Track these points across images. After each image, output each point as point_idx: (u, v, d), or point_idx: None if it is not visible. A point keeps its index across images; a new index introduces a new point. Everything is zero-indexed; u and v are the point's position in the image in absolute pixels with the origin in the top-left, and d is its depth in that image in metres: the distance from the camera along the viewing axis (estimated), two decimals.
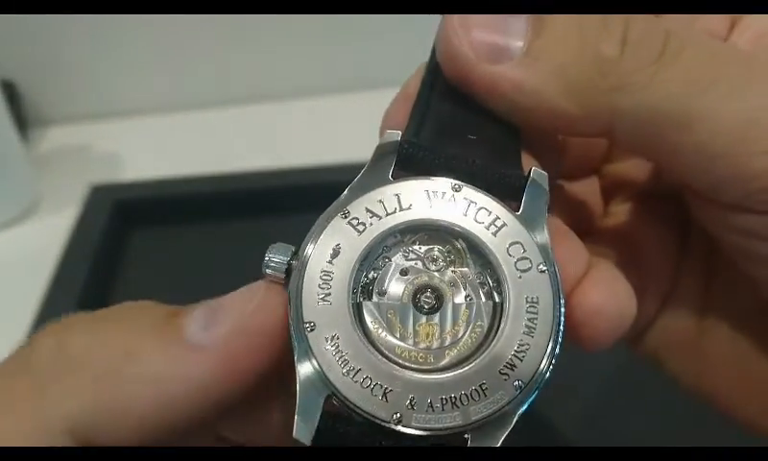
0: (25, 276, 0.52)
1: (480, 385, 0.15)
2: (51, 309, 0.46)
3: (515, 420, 0.15)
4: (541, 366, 0.15)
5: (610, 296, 0.19)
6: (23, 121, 0.69)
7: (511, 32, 0.19)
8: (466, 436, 0.15)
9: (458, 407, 0.15)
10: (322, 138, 0.66)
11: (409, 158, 0.18)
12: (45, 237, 0.56)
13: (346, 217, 0.17)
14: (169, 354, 0.16)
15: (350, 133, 0.65)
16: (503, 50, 0.19)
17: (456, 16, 0.19)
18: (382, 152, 0.18)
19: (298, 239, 0.21)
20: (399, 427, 0.15)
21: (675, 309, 0.26)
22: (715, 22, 0.22)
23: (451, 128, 0.18)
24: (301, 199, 0.56)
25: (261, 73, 0.73)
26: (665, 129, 0.18)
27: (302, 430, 0.15)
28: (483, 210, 0.17)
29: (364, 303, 0.16)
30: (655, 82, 0.18)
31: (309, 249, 0.16)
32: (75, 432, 0.15)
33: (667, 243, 0.25)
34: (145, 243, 0.55)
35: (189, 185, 0.57)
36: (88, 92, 0.73)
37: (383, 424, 0.15)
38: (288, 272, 0.16)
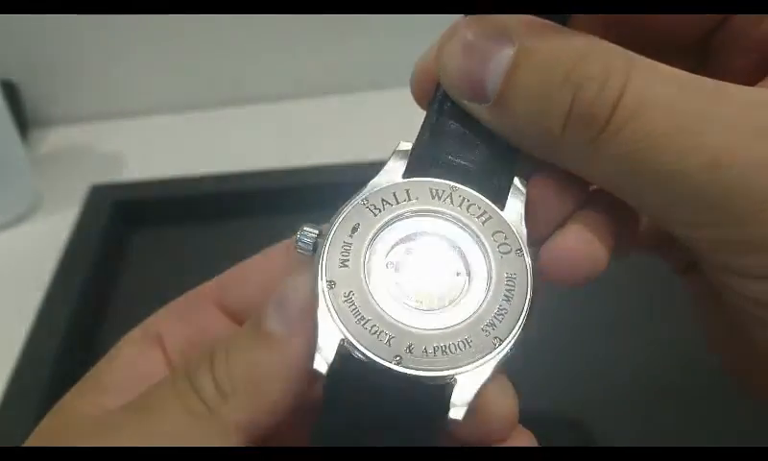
0: (25, 276, 0.52)
1: (466, 338, 0.19)
2: (51, 309, 0.46)
3: (492, 369, 0.18)
4: (516, 327, 0.19)
5: (580, 243, 0.21)
6: (23, 121, 0.69)
7: (489, 70, 0.19)
8: (453, 380, 0.18)
9: (447, 355, 0.18)
10: (322, 139, 0.67)
11: (417, 164, 0.21)
12: (45, 237, 0.56)
13: (365, 203, 0.20)
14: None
15: (350, 133, 0.65)
16: (481, 91, 0.20)
17: (447, 42, 0.20)
18: (397, 157, 0.22)
19: None
20: (399, 368, 0.18)
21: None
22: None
23: (454, 138, 0.22)
24: (302, 199, 0.56)
25: (261, 73, 0.73)
26: (612, 190, 0.20)
27: (321, 363, 0.18)
28: (474, 205, 0.21)
29: (375, 268, 0.20)
30: (593, 160, 0.19)
31: (334, 226, 0.20)
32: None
33: None
34: (145, 243, 0.55)
35: (189, 185, 0.57)
36: (88, 92, 0.73)
37: (385, 363, 0.18)
38: (315, 246, 0.20)
